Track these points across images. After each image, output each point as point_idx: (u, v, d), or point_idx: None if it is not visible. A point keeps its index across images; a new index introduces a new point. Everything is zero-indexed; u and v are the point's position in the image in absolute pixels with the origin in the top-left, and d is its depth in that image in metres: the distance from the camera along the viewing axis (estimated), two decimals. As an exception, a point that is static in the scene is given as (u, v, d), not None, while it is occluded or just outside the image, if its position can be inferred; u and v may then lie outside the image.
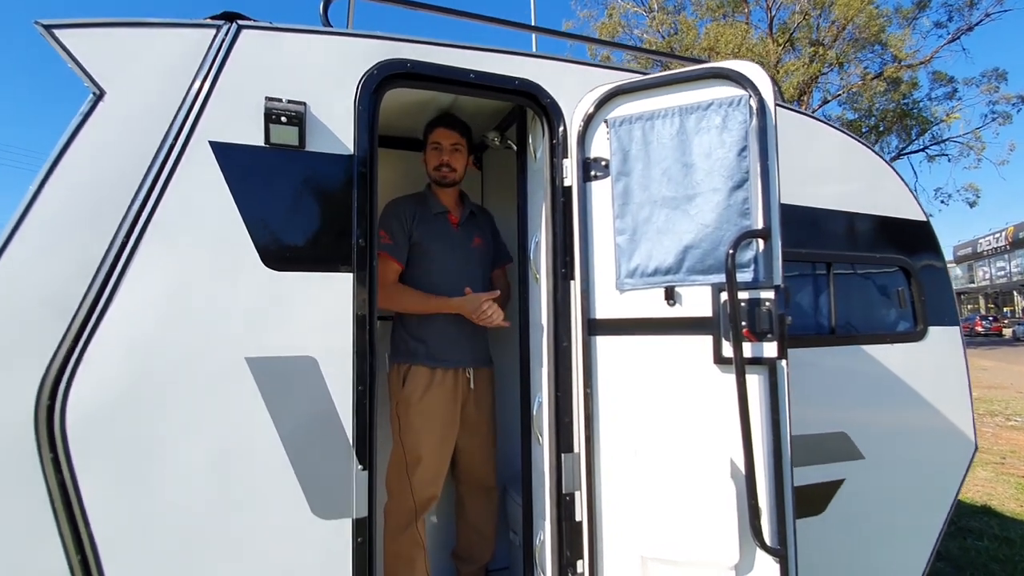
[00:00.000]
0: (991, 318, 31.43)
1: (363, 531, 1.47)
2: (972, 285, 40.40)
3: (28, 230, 1.26)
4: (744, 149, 1.52)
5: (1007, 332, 29.69)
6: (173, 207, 1.35)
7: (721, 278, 1.51)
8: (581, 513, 1.69)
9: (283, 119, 1.43)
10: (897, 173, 2.47)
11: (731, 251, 1.43)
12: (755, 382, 1.48)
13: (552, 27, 2.38)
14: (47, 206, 1.27)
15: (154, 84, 1.37)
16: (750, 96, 1.52)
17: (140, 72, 1.36)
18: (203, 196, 1.38)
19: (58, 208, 1.28)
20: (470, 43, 1.71)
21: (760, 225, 1.49)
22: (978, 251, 39.36)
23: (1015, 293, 37.39)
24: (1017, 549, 3.42)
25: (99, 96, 1.31)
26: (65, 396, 1.25)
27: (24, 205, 1.26)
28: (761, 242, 1.50)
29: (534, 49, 2.15)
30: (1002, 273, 36.87)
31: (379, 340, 1.58)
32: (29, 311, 1.25)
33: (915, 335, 2.37)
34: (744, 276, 1.50)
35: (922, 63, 16.87)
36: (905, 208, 2.42)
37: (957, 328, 2.48)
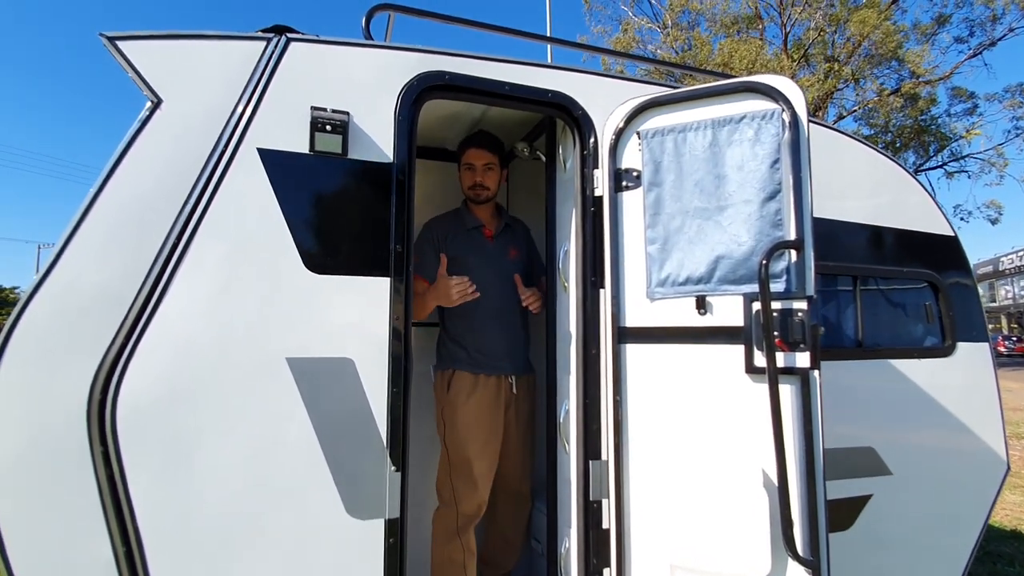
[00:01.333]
0: (1015, 338, 30.67)
1: (395, 532, 1.49)
2: (994, 304, 39.56)
3: (87, 231, 1.32)
4: (776, 161, 1.54)
5: (1032, 353, 28.90)
6: (222, 211, 1.41)
7: (753, 288, 1.52)
8: (608, 521, 1.69)
9: (328, 128, 1.49)
10: (924, 187, 2.46)
11: (764, 261, 1.44)
12: (787, 392, 1.49)
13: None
14: (106, 208, 1.33)
15: (208, 93, 1.43)
16: (783, 110, 1.54)
17: (195, 81, 1.42)
18: (250, 201, 1.44)
19: (116, 210, 1.34)
20: (489, 55, 1.76)
21: (793, 236, 1.50)
22: (1000, 269, 38.57)
23: (1040, 313, 36.50)
24: (1050, 576, 3.32)
25: (156, 104, 1.38)
26: (116, 392, 1.29)
27: (84, 207, 1.32)
28: (794, 253, 1.51)
29: (549, 61, 2.19)
30: (1026, 292, 36.05)
31: (413, 344, 1.61)
32: (84, 309, 1.31)
33: (943, 351, 2.35)
34: (777, 286, 1.51)
35: (941, 79, 16.71)
36: (932, 222, 2.41)
37: (987, 344, 2.45)
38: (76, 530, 1.27)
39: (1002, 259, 38.44)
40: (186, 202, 1.38)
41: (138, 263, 1.35)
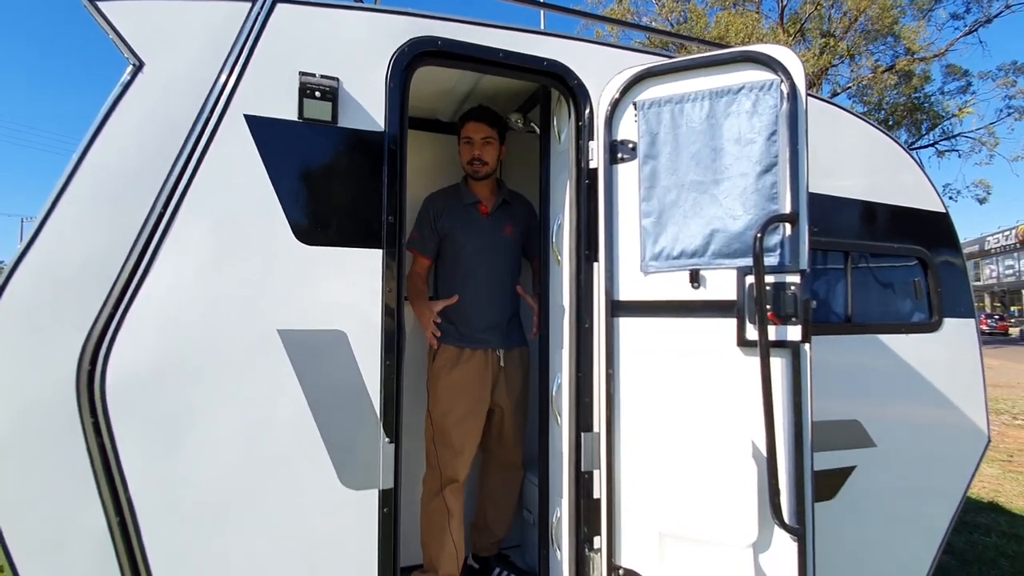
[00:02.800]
0: (997, 316, 31.34)
1: (389, 502, 1.51)
2: (978, 283, 40.19)
3: (70, 199, 1.28)
4: (774, 134, 1.52)
5: (1013, 331, 29.64)
6: (208, 179, 1.37)
7: (747, 262, 1.52)
8: (600, 491, 1.72)
9: (317, 94, 1.44)
10: (917, 163, 2.46)
11: (759, 235, 1.44)
12: (778, 365, 1.50)
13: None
14: (87, 177, 1.29)
15: (192, 56, 1.38)
16: (781, 81, 1.52)
17: (179, 44, 1.37)
18: (237, 169, 1.40)
19: (99, 178, 1.30)
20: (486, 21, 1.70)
21: (788, 210, 1.50)
22: (985, 248, 39.11)
23: (1024, 292, 37.18)
24: (1026, 546, 3.44)
25: (138, 67, 1.32)
26: (105, 362, 1.28)
27: (65, 176, 1.28)
28: (788, 226, 1.50)
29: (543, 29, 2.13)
30: (1010, 271, 36.65)
31: (408, 318, 1.60)
32: (70, 279, 1.28)
33: (930, 326, 2.38)
34: (770, 260, 1.51)
35: (936, 56, 16.61)
36: (924, 199, 2.42)
37: (972, 320, 2.48)
38: (69, 500, 1.27)
39: (988, 239, 38.93)
40: (171, 170, 1.34)
41: (123, 233, 1.31)
